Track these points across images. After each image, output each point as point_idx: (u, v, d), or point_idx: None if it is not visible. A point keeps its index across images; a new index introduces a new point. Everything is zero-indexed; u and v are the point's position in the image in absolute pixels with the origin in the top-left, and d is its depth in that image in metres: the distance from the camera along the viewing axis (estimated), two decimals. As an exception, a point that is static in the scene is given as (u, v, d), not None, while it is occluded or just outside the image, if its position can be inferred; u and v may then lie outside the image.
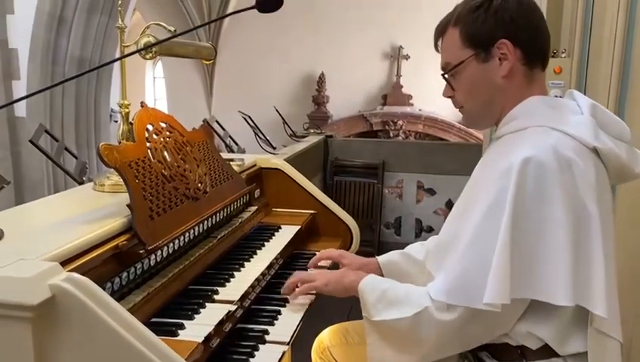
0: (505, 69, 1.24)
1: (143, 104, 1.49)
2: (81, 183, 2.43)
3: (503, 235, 1.09)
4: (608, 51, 2.50)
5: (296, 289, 1.47)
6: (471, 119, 1.37)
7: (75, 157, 2.79)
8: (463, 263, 1.15)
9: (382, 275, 1.53)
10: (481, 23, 1.23)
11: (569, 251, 1.10)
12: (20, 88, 4.84)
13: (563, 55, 2.61)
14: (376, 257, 1.60)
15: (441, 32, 1.32)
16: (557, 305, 1.11)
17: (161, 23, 1.41)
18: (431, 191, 5.46)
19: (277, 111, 4.99)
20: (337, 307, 1.82)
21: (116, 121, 5.21)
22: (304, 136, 5.39)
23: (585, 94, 2.60)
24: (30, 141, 2.48)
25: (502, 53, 1.23)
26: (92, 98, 5.23)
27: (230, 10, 9.34)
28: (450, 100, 1.36)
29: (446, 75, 1.31)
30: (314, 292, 1.47)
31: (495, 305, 1.08)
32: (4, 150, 4.77)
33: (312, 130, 5.76)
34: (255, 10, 1.25)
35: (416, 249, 1.58)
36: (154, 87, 12.69)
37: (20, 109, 4.70)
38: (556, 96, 1.36)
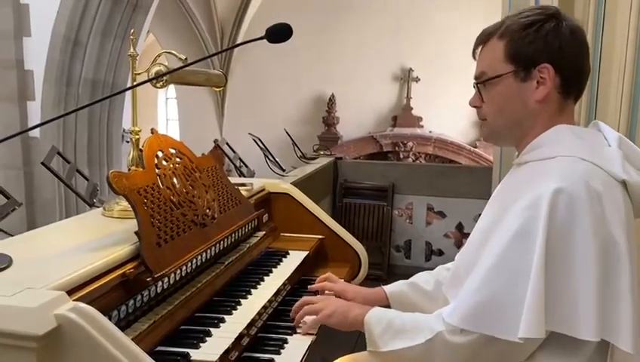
0: (541, 93, 1.22)
1: (153, 131, 1.50)
2: (91, 205, 2.46)
3: (536, 268, 1.08)
4: (618, 77, 2.50)
5: (303, 325, 1.45)
6: (492, 134, 1.35)
7: (87, 179, 2.82)
8: (485, 289, 1.13)
9: (389, 305, 1.51)
10: (528, 43, 1.22)
11: (597, 285, 1.08)
12: (34, 109, 4.91)
13: (573, 81, 2.61)
14: (383, 287, 1.58)
15: (483, 40, 1.30)
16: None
17: (173, 52, 1.43)
18: (441, 214, 5.43)
19: (287, 133, 5.02)
20: (345, 334, 1.80)
21: (128, 142, 5.26)
22: (314, 158, 5.40)
23: (595, 116, 2.60)
24: (42, 163, 2.51)
25: (542, 76, 1.22)
26: (105, 118, 5.29)
27: (242, 33, 9.49)
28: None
29: (478, 85, 1.30)
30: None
31: (524, 338, 1.07)
32: (18, 170, 4.83)
33: (321, 152, 5.77)
34: (267, 32, 1.26)
35: (424, 279, 1.55)
36: (166, 108, 12.83)
37: (34, 130, 4.77)
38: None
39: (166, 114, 12.85)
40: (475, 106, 1.34)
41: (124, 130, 5.65)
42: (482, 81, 1.28)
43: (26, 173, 4.87)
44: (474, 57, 1.33)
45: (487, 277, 1.13)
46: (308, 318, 1.45)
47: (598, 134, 1.26)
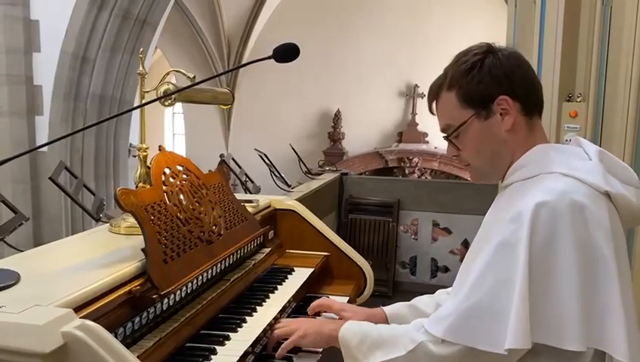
0: (508, 123, 1.26)
1: (160, 148, 1.52)
2: (98, 220, 2.47)
3: (521, 279, 1.09)
4: (624, 94, 2.50)
5: (280, 349, 1.41)
6: (479, 175, 1.37)
7: (93, 194, 2.83)
8: (469, 301, 1.14)
9: None
10: (477, 83, 1.25)
11: (580, 295, 1.10)
12: (42, 124, 4.97)
13: (578, 99, 2.61)
14: (383, 308, 1.57)
15: (434, 96, 1.35)
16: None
17: (181, 70, 1.45)
18: (447, 231, 5.41)
19: (292, 148, 5.04)
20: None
21: (135, 156, 5.30)
22: (319, 174, 5.41)
23: (601, 137, 2.60)
24: (50, 178, 2.52)
25: (502, 108, 1.25)
26: (112, 133, 5.34)
27: (249, 49, 9.58)
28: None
29: (449, 137, 1.33)
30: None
31: (510, 350, 1.08)
32: (25, 184, 4.86)
33: (326, 168, 5.78)
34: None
35: (424, 302, 1.56)
36: (173, 123, 12.92)
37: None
38: (567, 141, 1.37)
39: (172, 129, 12.94)
40: (453, 156, 1.37)
41: (130, 145, 5.69)
42: (451, 133, 1.32)
43: (34, 186, 4.91)
44: (431, 112, 1.38)
45: (471, 289, 1.15)
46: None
47: (578, 149, 1.29)
